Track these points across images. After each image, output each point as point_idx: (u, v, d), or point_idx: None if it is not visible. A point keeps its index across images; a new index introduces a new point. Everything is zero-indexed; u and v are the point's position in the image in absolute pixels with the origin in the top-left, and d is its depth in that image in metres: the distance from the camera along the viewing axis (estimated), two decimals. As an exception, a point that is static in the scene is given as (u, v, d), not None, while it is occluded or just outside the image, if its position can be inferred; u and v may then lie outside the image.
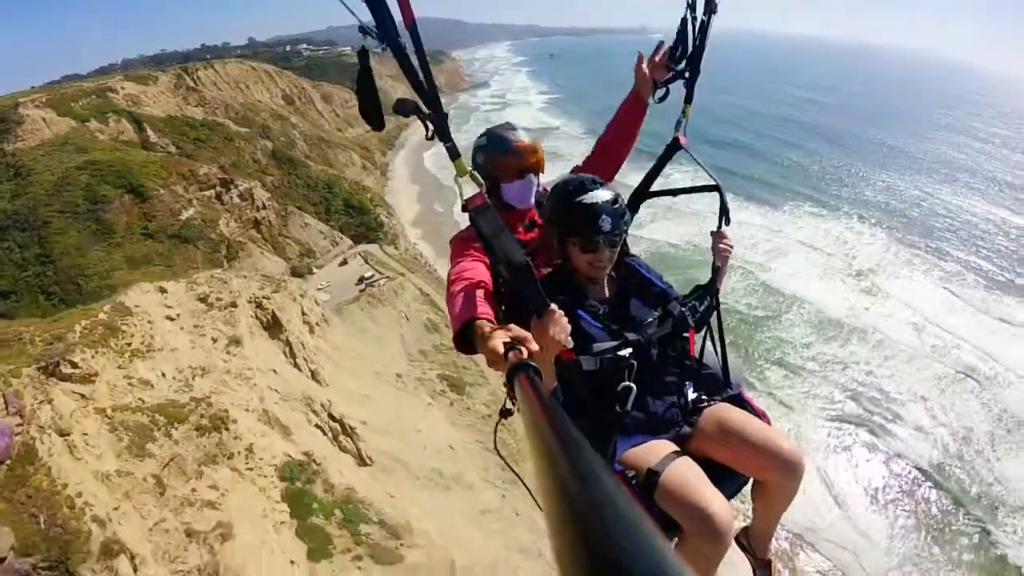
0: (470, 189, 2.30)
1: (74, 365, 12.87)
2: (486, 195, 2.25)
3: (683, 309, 2.89)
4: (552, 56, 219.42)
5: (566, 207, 2.74)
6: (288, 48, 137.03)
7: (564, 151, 78.90)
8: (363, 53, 2.09)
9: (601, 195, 2.69)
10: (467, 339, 2.29)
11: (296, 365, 23.95)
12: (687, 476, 2.45)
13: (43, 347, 13.33)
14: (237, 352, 19.71)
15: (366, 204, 53.15)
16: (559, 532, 0.55)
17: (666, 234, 46.04)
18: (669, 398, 2.88)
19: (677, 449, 2.66)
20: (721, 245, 3.08)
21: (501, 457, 2.60)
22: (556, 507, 0.59)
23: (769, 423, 2.91)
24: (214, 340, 19.39)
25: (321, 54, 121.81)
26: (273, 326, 24.67)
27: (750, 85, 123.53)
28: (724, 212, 3.11)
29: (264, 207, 47.83)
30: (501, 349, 1.89)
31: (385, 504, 17.50)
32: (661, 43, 3.27)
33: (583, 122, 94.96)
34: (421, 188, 60.69)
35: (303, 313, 28.32)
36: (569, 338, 2.21)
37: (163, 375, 15.22)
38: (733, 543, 2.91)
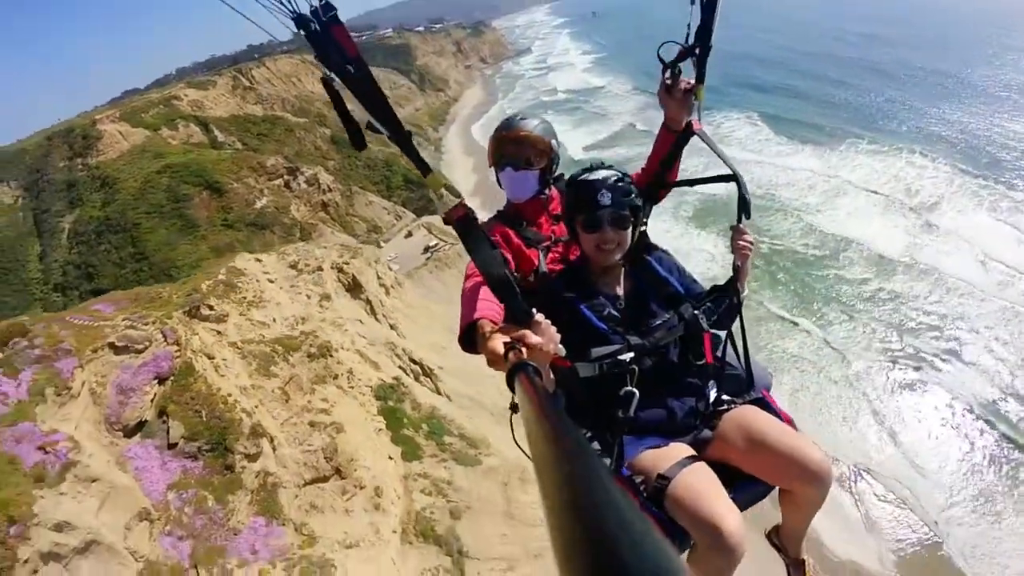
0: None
1: (210, 308, 16.71)
2: (467, 206, 2.31)
3: (695, 312, 2.82)
4: (594, 14, 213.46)
5: (572, 185, 2.83)
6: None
7: (611, 109, 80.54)
8: (325, 82, 2.10)
9: (603, 173, 2.76)
10: (471, 340, 2.40)
11: (376, 320, 27.54)
12: (699, 486, 2.39)
13: (184, 298, 17.14)
14: (328, 306, 23.34)
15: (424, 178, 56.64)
16: (559, 532, 0.57)
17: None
18: (688, 400, 2.81)
19: (692, 454, 2.62)
20: (741, 242, 2.93)
21: (522, 450, 2.74)
22: (555, 507, 0.62)
23: (795, 428, 2.83)
24: (308, 296, 23.04)
25: (364, 39, 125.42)
26: (354, 288, 28.22)
27: (795, 20, 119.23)
28: (743, 205, 2.96)
29: (330, 190, 51.84)
30: (501, 349, 1.96)
31: (465, 423, 20.83)
32: (678, 71, 3.05)
33: (629, 78, 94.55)
34: (476, 159, 63.32)
35: (378, 277, 31.89)
36: (559, 347, 2.22)
37: (274, 320, 18.91)
38: (765, 541, 3.14)
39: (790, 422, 2.86)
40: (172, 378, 14.28)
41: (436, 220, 51.22)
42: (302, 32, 1.96)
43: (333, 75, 2.01)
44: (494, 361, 2.07)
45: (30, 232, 52.87)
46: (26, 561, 9.97)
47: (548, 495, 0.66)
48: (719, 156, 3.03)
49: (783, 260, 37.17)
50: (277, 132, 61.66)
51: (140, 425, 13.69)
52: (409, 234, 49.55)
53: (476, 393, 24.71)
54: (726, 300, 2.92)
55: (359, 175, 57.81)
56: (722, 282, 2.98)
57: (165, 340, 14.94)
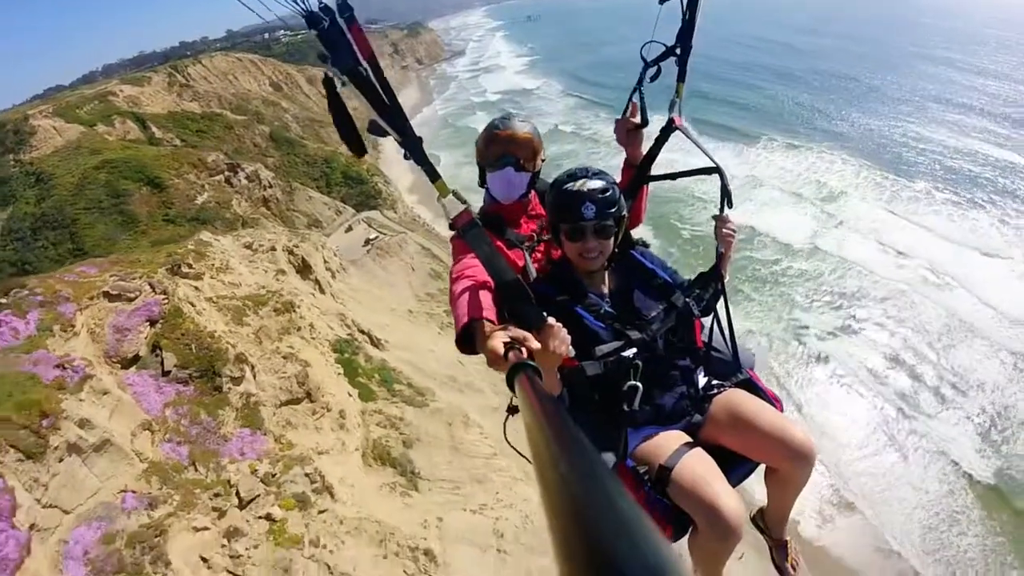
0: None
1: (189, 265, 19.42)
2: (473, 213, 2.44)
3: (687, 300, 3.04)
4: (529, 18, 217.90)
5: (554, 194, 2.98)
6: (267, 36, 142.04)
7: (546, 110, 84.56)
8: (328, 82, 2.14)
9: (589, 184, 2.90)
10: (469, 340, 2.47)
11: (326, 296, 30.34)
12: (699, 471, 2.59)
13: (164, 258, 19.79)
14: (284, 280, 26.08)
15: (363, 174, 59.15)
16: (559, 532, 0.58)
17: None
18: (679, 388, 3.01)
19: (689, 440, 2.83)
20: (724, 230, 3.22)
21: (515, 449, 2.72)
22: (556, 507, 0.63)
23: (781, 408, 3.10)
24: (265, 271, 25.74)
25: (300, 38, 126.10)
26: (303, 269, 30.80)
27: (714, 29, 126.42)
28: (726, 195, 3.22)
29: (271, 186, 53.92)
30: (501, 349, 2.03)
31: (413, 375, 23.97)
32: (632, 104, 3.45)
33: (561, 81, 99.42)
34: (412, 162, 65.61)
35: (325, 261, 34.60)
36: (570, 348, 2.37)
37: (240, 284, 21.64)
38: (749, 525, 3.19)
39: (776, 399, 3.13)
40: (162, 320, 16.98)
41: (375, 215, 53.95)
42: (314, 31, 2.00)
43: (343, 76, 2.06)
44: (494, 361, 2.07)
45: (-43, 231, 53.10)
46: (55, 448, 12.58)
47: (548, 495, 0.69)
48: (701, 150, 3.26)
49: (702, 244, 41.21)
50: (216, 129, 63.23)
51: (135, 359, 16.37)
52: (350, 228, 51.92)
53: (418, 361, 27.63)
54: (712, 286, 3.15)
55: (299, 172, 60.03)
56: (706, 270, 3.22)
57: (153, 290, 17.62)
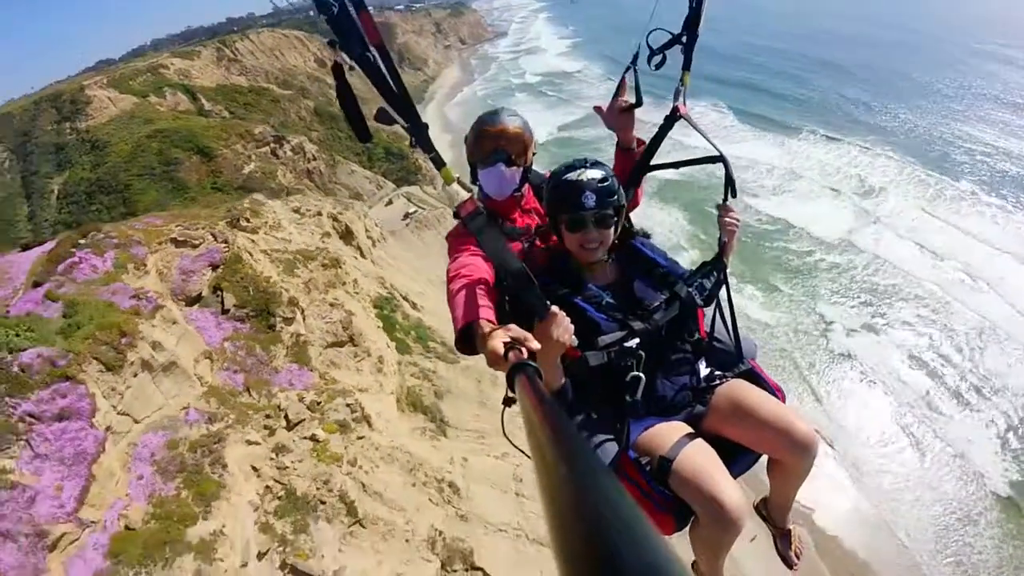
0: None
1: (247, 220, 21.47)
2: (478, 200, 2.50)
3: (690, 290, 3.01)
4: (572, 1, 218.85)
5: (554, 185, 2.95)
6: (312, 12, 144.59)
7: (585, 93, 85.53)
8: (336, 68, 2.20)
9: (589, 173, 2.88)
10: (469, 340, 2.47)
11: (367, 261, 32.27)
12: (700, 462, 2.59)
13: (224, 213, 21.84)
14: (328, 242, 28.00)
15: (404, 150, 61.06)
16: (559, 533, 0.59)
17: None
18: (681, 379, 3.01)
19: (690, 431, 2.81)
20: (727, 219, 3.20)
21: (513, 445, 2.71)
22: (556, 508, 0.64)
23: (783, 399, 3.08)
24: (312, 233, 27.69)
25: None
26: (346, 235, 32.79)
27: (764, 18, 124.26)
28: (730, 184, 3.19)
29: (314, 158, 56.15)
30: (501, 350, 2.06)
31: (446, 334, 25.71)
32: (623, 81, 3.45)
33: (601, 65, 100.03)
34: (453, 136, 67.56)
35: (366, 229, 36.54)
36: (573, 337, 2.43)
37: (291, 241, 23.63)
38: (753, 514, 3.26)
39: (779, 390, 3.13)
40: (223, 265, 18.99)
41: (415, 190, 55.78)
42: (323, 16, 2.07)
43: (352, 61, 2.12)
44: (494, 361, 2.10)
45: (18, 193, 56.33)
46: (131, 364, 14.54)
47: (548, 495, 0.70)
48: (706, 139, 3.18)
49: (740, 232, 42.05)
50: (263, 103, 65.81)
51: (198, 298, 18.39)
52: (390, 202, 53.83)
53: (450, 332, 29.28)
54: (715, 275, 3.13)
55: (342, 146, 62.27)
56: (709, 259, 3.21)
57: (215, 239, 19.64)
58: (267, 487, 14.33)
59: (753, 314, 34.33)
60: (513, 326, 2.20)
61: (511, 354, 2.01)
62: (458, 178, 2.46)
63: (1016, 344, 31.36)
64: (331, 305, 20.27)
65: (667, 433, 2.75)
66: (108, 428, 13.48)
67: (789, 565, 3.55)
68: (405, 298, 29.02)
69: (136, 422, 14.35)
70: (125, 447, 13.80)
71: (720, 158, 3.19)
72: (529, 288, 2.35)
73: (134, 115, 58.32)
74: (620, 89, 3.47)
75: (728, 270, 3.17)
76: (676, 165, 3.56)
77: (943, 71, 77.02)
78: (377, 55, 2.13)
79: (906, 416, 27.44)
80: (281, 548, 13.41)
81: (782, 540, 3.57)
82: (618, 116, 3.46)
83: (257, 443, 15.03)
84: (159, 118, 57.39)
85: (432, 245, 43.03)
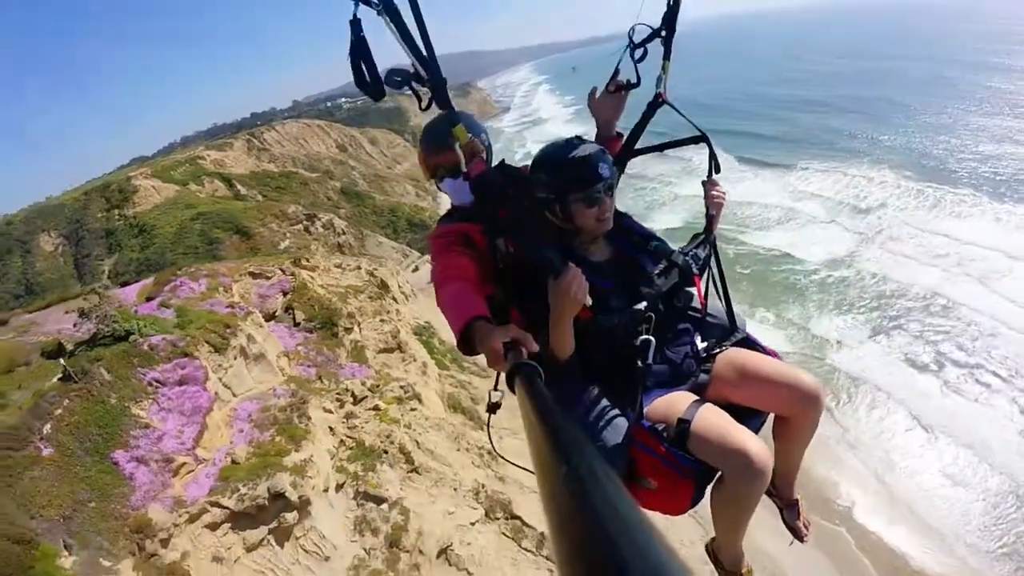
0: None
1: (307, 259, 26.94)
2: (486, 162, 2.63)
3: (686, 258, 3.13)
4: (574, 69, 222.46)
5: (561, 165, 2.96)
6: (329, 104, 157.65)
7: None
8: (355, 23, 2.21)
9: (589, 147, 2.98)
10: (469, 340, 2.50)
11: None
12: (717, 420, 2.68)
13: (286, 256, 27.30)
14: (370, 284, 33.32)
15: (426, 221, 67.19)
16: (560, 534, 0.60)
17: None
18: (682, 349, 3.13)
19: (697, 398, 2.91)
20: (714, 192, 3.41)
21: (504, 458, 3.07)
22: (556, 509, 0.66)
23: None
24: (357, 278, 33.03)
25: (360, 104, 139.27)
26: (382, 288, 38.19)
27: (751, 72, 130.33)
28: (713, 160, 3.44)
29: (344, 232, 62.20)
30: (501, 350, 2.15)
31: (479, 357, 30.49)
32: (616, 71, 3.61)
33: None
34: (468, 206, 73.21)
35: (399, 284, 41.90)
36: (588, 296, 2.51)
37: (339, 283, 28.99)
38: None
39: (775, 355, 3.30)
40: (292, 291, 24.26)
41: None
42: None
43: (379, 7, 2.14)
44: (494, 361, 2.19)
45: (71, 275, 62.66)
46: (232, 348, 19.73)
47: (548, 495, 0.72)
48: (687, 120, 3.41)
49: (747, 261, 45.24)
50: (293, 185, 72.88)
51: (273, 315, 23.58)
52: (416, 268, 59.04)
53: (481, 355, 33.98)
54: (706, 246, 3.31)
55: (368, 220, 68.61)
56: (700, 231, 3.41)
57: (283, 273, 25.01)
58: (341, 441, 19.12)
59: (766, 335, 36.02)
60: (512, 326, 2.34)
61: (511, 355, 2.11)
62: (471, 137, 2.62)
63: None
64: (381, 321, 25.40)
65: (678, 400, 2.85)
66: (216, 394, 18.43)
67: (799, 537, 3.65)
68: (437, 333, 33.93)
69: (235, 395, 19.32)
70: (228, 411, 18.79)
71: (703, 137, 3.42)
72: (545, 245, 2.51)
73: (177, 201, 65.11)
74: (614, 76, 3.65)
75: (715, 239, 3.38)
76: (660, 148, 3.75)
77: (924, 89, 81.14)
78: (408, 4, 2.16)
79: (931, 414, 27.55)
80: (354, 482, 18.03)
81: (789, 512, 3.64)
82: (607, 97, 3.66)
83: (331, 411, 19.88)
84: (200, 203, 64.10)
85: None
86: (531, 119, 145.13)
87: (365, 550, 16.61)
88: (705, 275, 3.28)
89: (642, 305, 2.80)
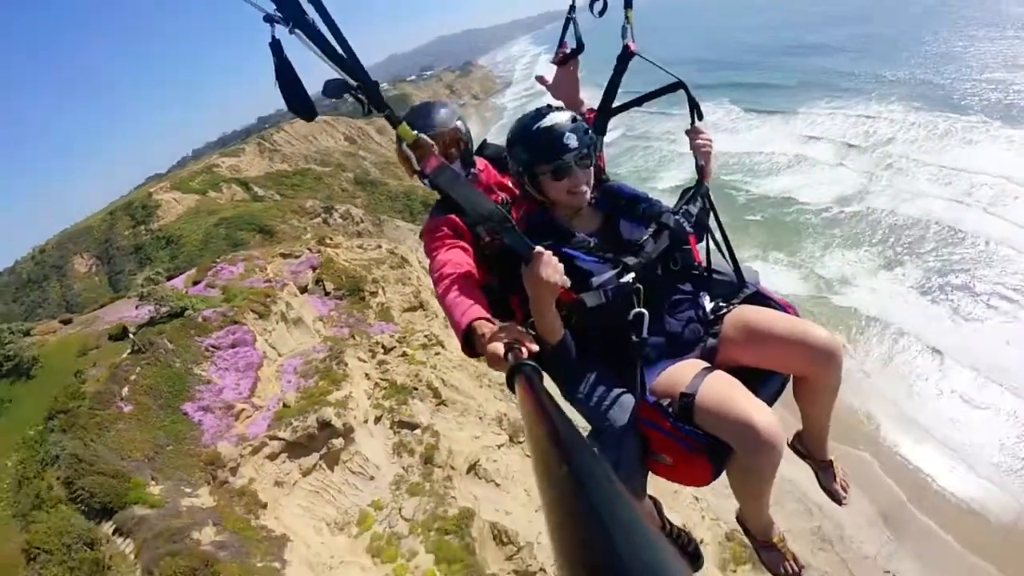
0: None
1: (331, 239, 30.10)
2: (440, 156, 2.55)
3: (677, 217, 3.04)
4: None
5: (527, 137, 2.96)
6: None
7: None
8: (275, 45, 2.16)
9: (557, 116, 2.93)
10: (471, 342, 2.53)
11: (422, 281, 40.56)
12: (723, 390, 2.62)
13: (312, 237, 30.47)
14: (391, 257, 36.42)
15: (442, 202, 69.92)
16: (559, 533, 0.61)
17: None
18: (685, 314, 3.04)
19: (707, 365, 2.86)
20: (699, 141, 3.29)
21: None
22: (555, 509, 0.67)
23: (796, 314, 3.11)
24: (378, 254, 36.16)
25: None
26: (403, 263, 41.23)
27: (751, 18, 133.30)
28: (694, 107, 3.28)
29: (362, 220, 65.23)
30: (501, 351, 2.17)
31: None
32: (563, 44, 3.76)
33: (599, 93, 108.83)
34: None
35: (419, 260, 44.89)
36: (564, 278, 2.46)
37: (363, 254, 32.09)
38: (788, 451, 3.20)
39: (790, 307, 3.17)
40: (320, 266, 27.41)
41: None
42: None
43: (296, 29, 2.08)
44: (495, 362, 2.18)
45: (106, 292, 66.61)
46: (274, 314, 23.14)
47: (548, 495, 0.72)
48: (660, 68, 3.29)
49: (757, 207, 47.29)
50: (307, 181, 76.13)
51: (305, 288, 26.73)
52: (435, 246, 62.13)
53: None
54: (699, 200, 3.21)
55: (384, 206, 71.72)
56: (690, 185, 3.31)
57: (310, 252, 28.18)
58: (375, 384, 22.29)
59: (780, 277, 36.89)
60: (512, 325, 2.37)
61: (511, 355, 2.12)
62: (417, 135, 2.50)
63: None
64: (403, 285, 28.49)
65: (683, 371, 2.80)
66: (264, 353, 21.66)
67: (837, 500, 3.54)
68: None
69: (280, 355, 22.57)
70: (276, 367, 22.11)
71: (679, 84, 3.31)
72: (509, 229, 2.42)
73: (199, 210, 68.55)
74: (561, 47, 3.76)
75: (710, 193, 3.27)
76: (638, 102, 3.63)
77: (927, 21, 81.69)
78: (318, 15, 2.11)
79: (945, 341, 27.71)
80: (390, 415, 21.21)
81: (824, 474, 3.53)
82: (562, 78, 3.75)
83: (364, 361, 23.10)
84: (221, 208, 67.49)
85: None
86: (532, 92, 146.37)
87: (404, 468, 19.76)
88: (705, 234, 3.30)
89: (629, 277, 2.77)
